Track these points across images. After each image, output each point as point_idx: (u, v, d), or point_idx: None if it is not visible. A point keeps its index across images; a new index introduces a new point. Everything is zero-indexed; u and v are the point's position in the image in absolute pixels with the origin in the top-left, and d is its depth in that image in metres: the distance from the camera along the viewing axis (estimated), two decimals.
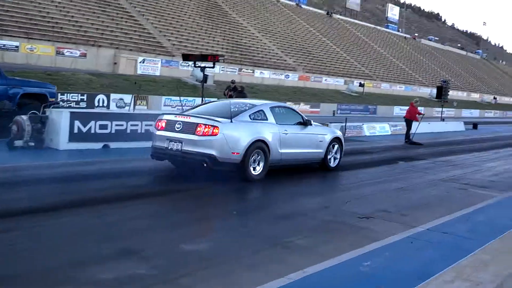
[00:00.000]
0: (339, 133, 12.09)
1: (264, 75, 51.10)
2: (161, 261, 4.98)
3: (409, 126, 20.29)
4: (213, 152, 8.79)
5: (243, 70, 48.91)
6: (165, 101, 27.74)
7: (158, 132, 9.60)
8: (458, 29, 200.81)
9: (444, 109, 37.67)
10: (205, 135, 8.87)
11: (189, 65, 35.66)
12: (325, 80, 58.88)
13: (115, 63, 38.42)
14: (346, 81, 60.76)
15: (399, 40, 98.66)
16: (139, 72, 38.30)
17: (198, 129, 8.95)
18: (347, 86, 58.80)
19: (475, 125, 35.04)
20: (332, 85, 58.69)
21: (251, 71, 49.92)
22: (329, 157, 11.41)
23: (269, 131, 9.69)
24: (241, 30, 57.44)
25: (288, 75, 54.28)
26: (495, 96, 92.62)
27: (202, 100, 15.50)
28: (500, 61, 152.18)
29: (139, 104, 26.11)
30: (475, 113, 66.28)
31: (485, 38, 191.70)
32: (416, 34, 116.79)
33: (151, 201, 7.65)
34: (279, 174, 10.08)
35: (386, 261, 5.40)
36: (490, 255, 2.47)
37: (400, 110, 44.45)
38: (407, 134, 20.27)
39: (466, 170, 13.15)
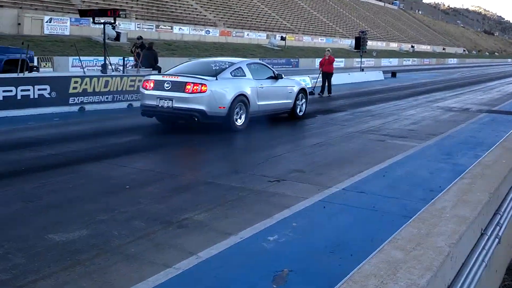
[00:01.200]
0: (304, 85, 13.31)
1: (183, 31, 49.15)
2: (20, 259, 4.01)
3: (328, 79, 19.74)
4: (202, 107, 9.68)
5: (160, 26, 46.73)
6: (73, 62, 25.70)
7: (147, 92, 10.21)
8: None
9: (364, 59, 37.79)
10: (194, 92, 9.68)
11: (100, 22, 33.26)
12: (247, 34, 57.67)
13: (19, 24, 35.30)
14: (268, 35, 59.85)
15: None
16: (46, 32, 35.42)
17: (188, 87, 9.73)
18: (269, 40, 57.96)
19: (393, 74, 35.47)
20: (254, 39, 57.64)
21: (170, 28, 47.82)
22: (297, 106, 12.51)
23: (248, 86, 10.64)
24: None
25: (209, 31, 52.57)
26: (413, 45, 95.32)
27: (104, 59, 14.17)
28: (417, 11, 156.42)
29: (44, 66, 24.04)
30: (394, 62, 67.80)
31: None
32: None
33: (31, 178, 6.51)
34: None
35: (295, 234, 4.72)
36: (402, 251, 1.72)
37: None
38: (329, 87, 19.73)
39: (385, 120, 12.82)
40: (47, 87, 11.97)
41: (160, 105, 9.94)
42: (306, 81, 24.20)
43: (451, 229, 2.36)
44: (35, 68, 16.86)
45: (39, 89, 11.75)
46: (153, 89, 10.15)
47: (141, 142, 9.64)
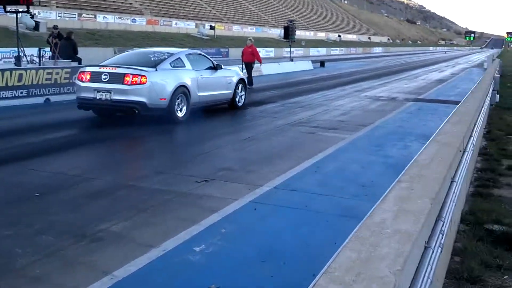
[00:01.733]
0: (242, 75, 13.41)
1: (108, 20, 47.30)
2: None
3: (249, 70, 19.05)
4: (143, 99, 9.46)
5: (83, 15, 44.73)
6: None
7: (84, 84, 9.88)
8: None
9: (293, 49, 37.91)
10: (134, 84, 9.45)
11: (14, 11, 31.15)
12: (175, 23, 56.43)
13: None
14: (197, 24, 58.88)
15: None
16: None
17: (126, 78, 9.49)
18: (198, 29, 57.04)
19: (322, 63, 35.81)
20: (183, 28, 56.52)
21: (93, 16, 45.89)
22: (236, 97, 12.45)
23: (188, 77, 10.47)
24: None
25: (135, 20, 50.96)
26: (339, 34, 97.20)
27: (18, 50, 13.15)
28: (343, 1, 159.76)
29: None
30: (322, 51, 68.81)
31: None
32: None
33: None
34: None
35: (223, 242, 4.35)
36: (340, 286, 1.36)
37: None
38: (248, 79, 19.09)
39: (314, 111, 12.69)
40: None
41: (98, 98, 9.66)
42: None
43: (395, 250, 2.06)
44: None
45: None
46: (90, 81, 9.85)
47: (59, 141, 8.85)
